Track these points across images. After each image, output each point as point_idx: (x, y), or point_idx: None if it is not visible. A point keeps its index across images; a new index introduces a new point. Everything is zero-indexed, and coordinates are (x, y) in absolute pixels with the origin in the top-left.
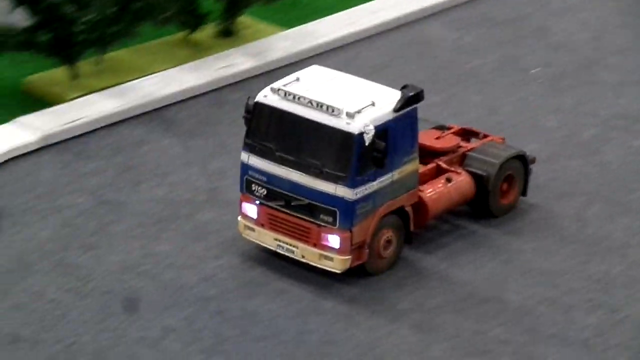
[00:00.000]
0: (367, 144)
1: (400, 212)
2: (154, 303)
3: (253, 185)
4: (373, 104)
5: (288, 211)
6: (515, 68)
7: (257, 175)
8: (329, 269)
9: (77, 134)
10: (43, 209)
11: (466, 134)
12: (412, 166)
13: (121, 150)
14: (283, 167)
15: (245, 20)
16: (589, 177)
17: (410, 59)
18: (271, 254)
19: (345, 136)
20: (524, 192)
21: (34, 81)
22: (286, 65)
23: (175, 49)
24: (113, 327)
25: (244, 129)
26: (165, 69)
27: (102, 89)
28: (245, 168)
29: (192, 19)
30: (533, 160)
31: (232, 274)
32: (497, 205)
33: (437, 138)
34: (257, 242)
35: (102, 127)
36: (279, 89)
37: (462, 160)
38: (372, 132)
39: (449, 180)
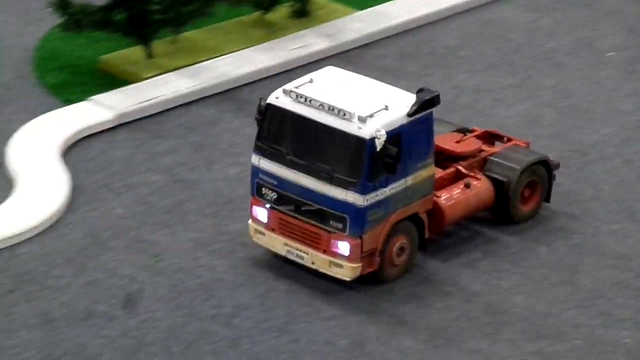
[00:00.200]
0: (378, 149)
1: (414, 218)
2: (227, 281)
3: (264, 188)
4: (386, 108)
5: (298, 216)
6: (590, 51)
7: (267, 179)
8: (338, 277)
9: (151, 113)
10: (118, 187)
11: (490, 138)
12: (427, 172)
13: (195, 129)
14: (293, 171)
15: (319, 1)
16: None
17: (484, 41)
18: None
19: (357, 141)
20: (547, 199)
21: (110, 60)
22: (359, 47)
23: (250, 30)
24: (186, 304)
25: None
26: (239, 50)
27: (177, 68)
28: (256, 171)
29: (267, 0)
30: (557, 166)
31: None
32: (518, 212)
33: (458, 142)
34: (267, 246)
35: (176, 107)
36: (290, 91)
37: (483, 164)
38: (384, 137)
39: (467, 185)
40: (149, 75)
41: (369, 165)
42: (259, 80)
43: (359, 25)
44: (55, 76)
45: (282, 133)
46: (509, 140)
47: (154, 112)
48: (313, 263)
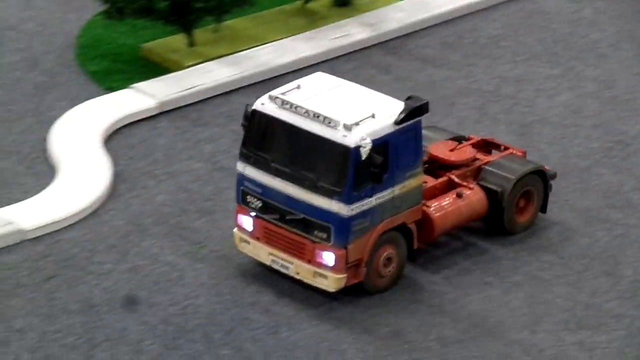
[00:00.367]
0: (364, 158)
1: (402, 229)
2: (267, 268)
3: (249, 196)
4: (373, 116)
5: (283, 225)
6: (632, 42)
7: (252, 187)
8: (322, 288)
9: (193, 101)
10: (159, 174)
11: (486, 146)
12: (416, 181)
13: (235, 118)
14: (278, 179)
15: None
16: None
17: (526, 31)
18: None
19: (341, 149)
20: (543, 209)
21: (152, 48)
22: (401, 36)
23: (291, 19)
24: (227, 291)
25: None
26: (280, 39)
27: (218, 57)
28: (242, 178)
29: None
30: (554, 176)
31: None
32: (512, 223)
33: (452, 150)
34: (252, 256)
35: (217, 95)
36: (276, 97)
37: (478, 174)
38: (370, 146)
39: (459, 195)
40: (190, 64)
41: (354, 175)
42: (300, 69)
43: (400, 14)
44: (97, 64)
45: (268, 140)
46: (506, 148)
47: (195, 100)
48: (297, 273)
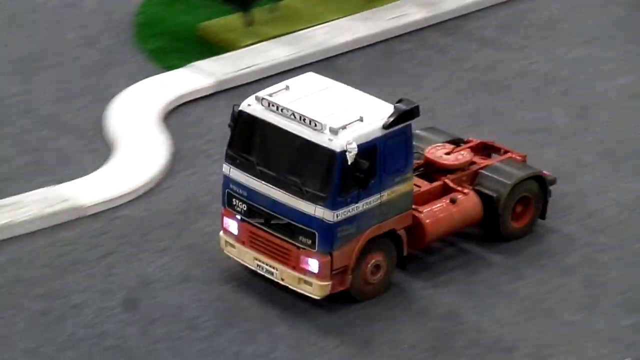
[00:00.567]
0: (349, 163)
1: (391, 235)
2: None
3: (234, 199)
4: (361, 120)
5: (268, 230)
6: None
7: (237, 190)
8: (307, 294)
9: (250, 80)
10: (216, 153)
11: (485, 149)
12: (405, 187)
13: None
14: (263, 182)
15: None
16: None
17: (585, 13)
18: None
19: (327, 153)
20: (542, 215)
21: (209, 27)
22: (457, 17)
23: None
24: None
25: (414, 79)
26: (337, 18)
27: (275, 36)
28: (227, 181)
29: None
30: (553, 182)
31: None
32: (508, 229)
33: (449, 153)
34: (238, 259)
35: (274, 75)
36: (263, 98)
37: (474, 178)
38: (355, 151)
39: (453, 201)
40: (247, 43)
41: (340, 180)
42: (356, 49)
43: None
44: (155, 42)
45: (253, 142)
46: (506, 152)
47: (252, 79)
48: (282, 279)
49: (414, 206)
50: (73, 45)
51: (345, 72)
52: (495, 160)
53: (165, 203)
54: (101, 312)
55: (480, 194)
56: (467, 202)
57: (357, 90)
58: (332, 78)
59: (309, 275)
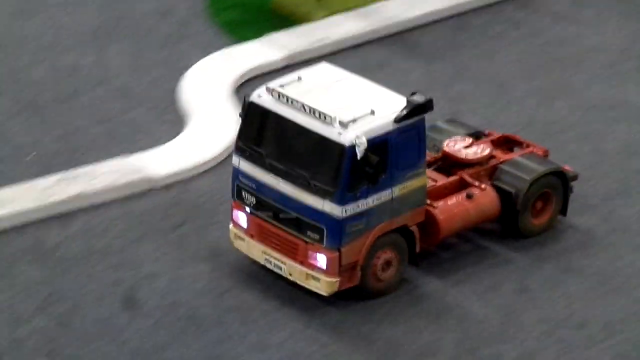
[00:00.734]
0: (359, 157)
1: (404, 231)
2: None
3: (243, 192)
4: (372, 113)
5: (276, 224)
6: None
7: (247, 182)
8: (315, 290)
9: (321, 53)
10: None
11: (507, 143)
12: (418, 182)
13: (364, 71)
14: (272, 175)
15: None
16: None
17: None
18: None
19: (336, 147)
20: (563, 211)
21: (282, 0)
22: None
23: None
24: None
25: (487, 54)
26: None
27: (347, 10)
28: (236, 173)
29: None
30: (574, 178)
31: None
32: (527, 225)
33: (468, 147)
34: (247, 253)
35: (346, 48)
36: (273, 90)
37: (493, 173)
38: (365, 145)
39: (469, 196)
40: (320, 16)
41: (349, 175)
42: (430, 23)
43: None
44: (228, 14)
45: (263, 134)
46: (528, 146)
47: (324, 53)
48: (290, 274)
49: (428, 201)
50: (147, 17)
51: (417, 46)
52: (515, 154)
53: None
54: (173, 282)
55: (498, 190)
56: (484, 197)
57: (372, 83)
58: (404, 52)
59: (317, 271)
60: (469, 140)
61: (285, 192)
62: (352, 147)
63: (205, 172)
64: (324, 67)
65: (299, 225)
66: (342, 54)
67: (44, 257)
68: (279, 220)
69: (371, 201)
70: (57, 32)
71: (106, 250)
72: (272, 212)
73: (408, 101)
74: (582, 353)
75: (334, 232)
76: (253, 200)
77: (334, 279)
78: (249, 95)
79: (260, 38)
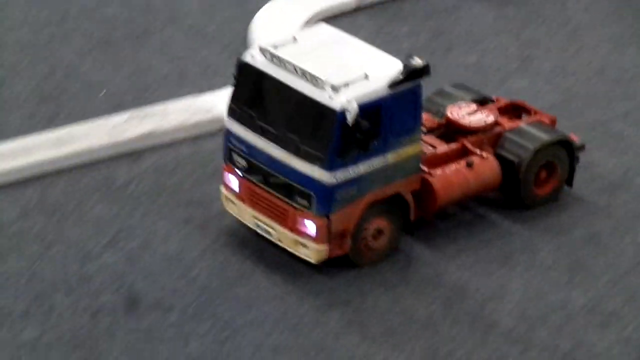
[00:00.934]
0: (350, 122)
1: (398, 199)
2: None
3: (234, 154)
4: (366, 77)
5: (267, 188)
6: None
7: (238, 145)
8: (303, 257)
9: None
10: None
11: (515, 110)
12: (413, 149)
13: (434, 15)
14: (263, 138)
15: None
16: None
17: None
18: None
19: (327, 112)
20: (569, 182)
21: None
22: None
23: None
24: None
25: None
26: None
27: None
28: (228, 135)
29: None
30: (581, 148)
31: None
32: (530, 196)
33: (472, 113)
34: (237, 217)
35: None
36: (266, 50)
37: (497, 141)
38: (355, 110)
39: (469, 164)
40: None
41: (339, 140)
42: None
43: None
44: None
45: (255, 96)
46: (536, 114)
47: None
48: (280, 240)
49: (426, 169)
50: None
51: None
52: (521, 122)
53: None
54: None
55: (500, 158)
56: (484, 166)
57: (369, 46)
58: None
59: (306, 238)
60: (474, 106)
61: (275, 157)
62: (343, 112)
63: None
64: (322, 28)
65: (288, 191)
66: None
67: (114, 194)
68: (269, 185)
69: (363, 168)
70: None
71: (176, 189)
72: (262, 177)
73: (404, 65)
74: None
75: (324, 199)
76: (244, 163)
77: (323, 247)
78: (242, 56)
79: None
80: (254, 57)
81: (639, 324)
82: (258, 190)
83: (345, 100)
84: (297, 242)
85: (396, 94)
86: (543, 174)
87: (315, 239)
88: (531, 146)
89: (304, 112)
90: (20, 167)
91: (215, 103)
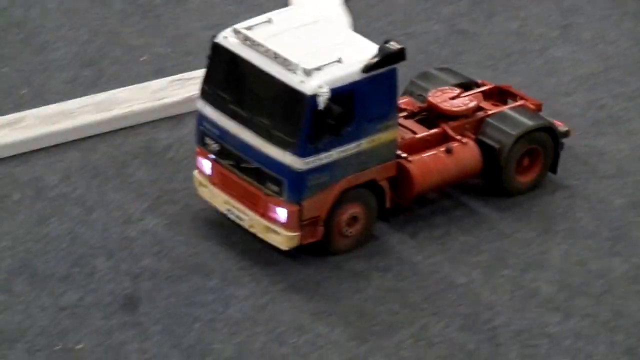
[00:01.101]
0: (321, 107)
1: (372, 186)
2: None
3: (206, 138)
4: (339, 61)
5: (238, 173)
6: None
7: (210, 128)
8: (274, 244)
9: None
10: (398, 35)
11: (500, 95)
12: (389, 135)
13: None
14: (234, 122)
15: None
16: None
17: None
18: None
19: (297, 96)
20: (553, 169)
21: None
22: None
23: None
24: None
25: None
26: None
27: None
28: (200, 118)
29: None
30: (566, 134)
31: None
32: (512, 183)
33: (454, 97)
34: (209, 201)
35: None
36: (239, 31)
37: (479, 126)
38: (327, 95)
39: (448, 150)
40: None
41: (310, 125)
42: None
43: None
44: None
45: (227, 79)
46: (522, 99)
47: None
48: (251, 226)
49: (404, 155)
50: None
51: None
52: (504, 107)
53: None
54: None
55: (482, 144)
56: (464, 152)
57: (347, 28)
58: None
59: (277, 224)
60: (457, 90)
61: (246, 141)
62: (315, 97)
63: None
64: (297, 8)
65: (260, 176)
66: None
67: (155, 158)
68: (241, 169)
69: (336, 154)
70: None
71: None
72: (234, 161)
73: (380, 49)
74: None
75: (295, 185)
76: (216, 147)
77: (294, 233)
78: (215, 36)
79: None
80: (226, 38)
81: None
82: (230, 175)
83: (316, 84)
84: (268, 229)
85: (370, 79)
86: (526, 161)
87: (286, 226)
88: (513, 132)
89: (276, 96)
90: (62, 130)
91: None
